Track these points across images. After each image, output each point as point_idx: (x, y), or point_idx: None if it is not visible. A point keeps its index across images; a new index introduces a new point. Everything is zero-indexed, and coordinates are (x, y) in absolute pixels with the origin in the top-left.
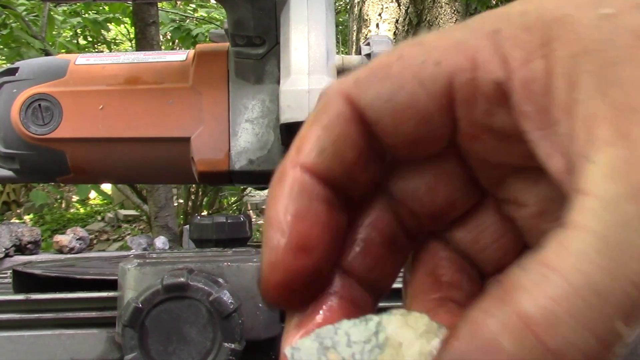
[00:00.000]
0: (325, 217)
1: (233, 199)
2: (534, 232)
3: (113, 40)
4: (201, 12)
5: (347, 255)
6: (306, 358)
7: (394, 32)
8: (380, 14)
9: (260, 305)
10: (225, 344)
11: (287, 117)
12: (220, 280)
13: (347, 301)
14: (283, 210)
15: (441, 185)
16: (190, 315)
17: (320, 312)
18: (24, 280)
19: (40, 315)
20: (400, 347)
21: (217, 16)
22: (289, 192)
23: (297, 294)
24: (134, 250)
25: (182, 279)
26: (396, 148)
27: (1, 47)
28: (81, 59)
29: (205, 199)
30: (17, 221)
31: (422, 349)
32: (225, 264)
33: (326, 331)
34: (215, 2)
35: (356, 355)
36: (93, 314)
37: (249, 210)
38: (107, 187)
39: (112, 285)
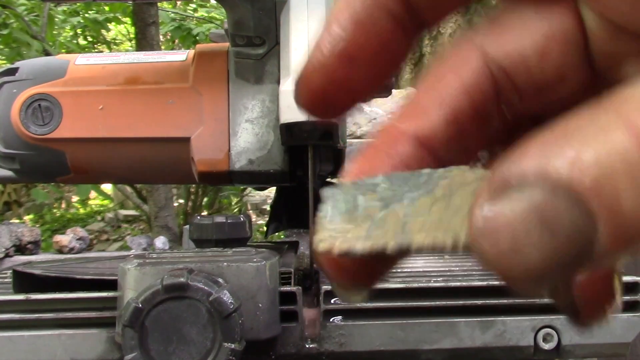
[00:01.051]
0: (388, 35)
1: (235, 200)
2: None
3: (113, 40)
4: (201, 12)
5: (425, 121)
6: (340, 195)
7: None
8: None
9: (260, 305)
10: (225, 344)
11: (287, 117)
12: (220, 280)
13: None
14: (345, 11)
15: (554, 50)
16: (190, 315)
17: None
18: (24, 280)
19: (40, 315)
20: (452, 197)
21: (217, 16)
22: None
23: (327, 104)
24: (134, 250)
25: (182, 279)
26: None
27: (1, 47)
28: (81, 59)
29: (205, 199)
30: (17, 221)
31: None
32: (225, 264)
33: (372, 178)
34: (215, 2)
35: (395, 197)
36: (93, 314)
37: (249, 210)
38: (107, 187)
39: (112, 285)
